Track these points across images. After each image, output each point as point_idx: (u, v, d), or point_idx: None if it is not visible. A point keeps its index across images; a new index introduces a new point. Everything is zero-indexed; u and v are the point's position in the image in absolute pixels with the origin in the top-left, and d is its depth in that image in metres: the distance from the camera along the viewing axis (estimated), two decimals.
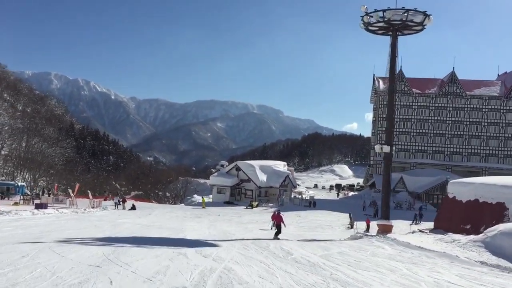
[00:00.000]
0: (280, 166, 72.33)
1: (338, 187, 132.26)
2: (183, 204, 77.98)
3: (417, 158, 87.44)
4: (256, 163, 70.85)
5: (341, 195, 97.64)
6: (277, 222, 22.95)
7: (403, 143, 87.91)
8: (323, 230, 35.45)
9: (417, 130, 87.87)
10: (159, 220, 35.62)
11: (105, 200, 61.22)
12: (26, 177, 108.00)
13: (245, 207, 58.35)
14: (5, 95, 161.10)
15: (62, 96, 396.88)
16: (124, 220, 33.50)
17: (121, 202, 50.93)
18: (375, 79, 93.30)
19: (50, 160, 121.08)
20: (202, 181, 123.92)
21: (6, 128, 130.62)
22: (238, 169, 67.26)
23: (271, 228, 24.33)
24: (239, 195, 67.18)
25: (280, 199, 62.92)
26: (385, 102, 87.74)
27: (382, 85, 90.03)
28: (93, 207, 45.95)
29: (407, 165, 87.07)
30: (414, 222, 44.57)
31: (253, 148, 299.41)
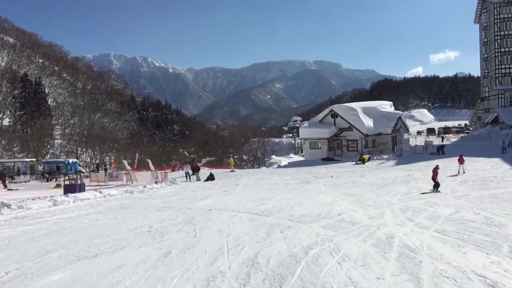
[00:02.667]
0: (387, 106, 55.20)
1: (431, 131, 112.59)
2: (264, 167, 63.52)
3: None
4: (357, 105, 54.04)
5: (445, 140, 78.76)
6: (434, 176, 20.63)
7: None
8: (504, 185, 21.64)
9: None
10: (262, 195, 20.64)
11: (173, 170, 47.56)
12: (91, 154, 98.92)
13: (354, 163, 42.62)
14: (64, 74, 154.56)
15: (123, 75, 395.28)
16: (206, 201, 18.84)
17: (193, 172, 36.55)
18: None
19: (114, 135, 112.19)
20: (276, 140, 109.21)
21: (67, 106, 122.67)
22: (334, 115, 51.00)
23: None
24: (338, 148, 51.13)
25: (398, 148, 46.26)
26: (501, 16, 67.46)
27: None
28: (156, 182, 31.85)
29: None
30: None
31: (318, 104, 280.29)
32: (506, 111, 64.09)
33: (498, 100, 67.95)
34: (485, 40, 73.29)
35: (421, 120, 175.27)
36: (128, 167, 35.78)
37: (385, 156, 46.05)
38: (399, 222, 11.86)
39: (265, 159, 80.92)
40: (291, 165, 50.15)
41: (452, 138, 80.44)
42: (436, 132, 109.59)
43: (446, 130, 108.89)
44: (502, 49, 67.75)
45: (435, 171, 21.41)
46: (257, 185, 28.59)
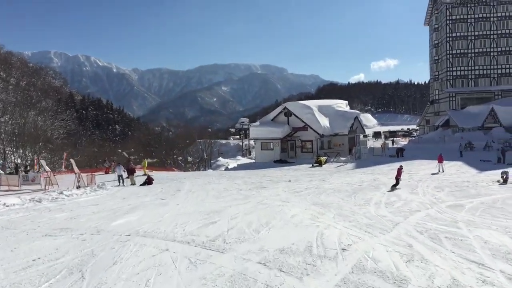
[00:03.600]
0: (343, 105, 51.03)
1: (377, 135, 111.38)
2: (211, 170, 58.08)
3: (502, 84, 65.58)
4: (312, 103, 49.36)
5: (395, 144, 76.49)
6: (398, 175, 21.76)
7: (482, 67, 65.94)
8: (486, 192, 19.58)
9: (499, 49, 65.56)
10: (210, 206, 15.23)
11: (106, 173, 40.73)
12: (22, 154, 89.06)
13: (311, 166, 37.99)
14: None
15: (64, 74, 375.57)
16: (130, 216, 13.23)
17: (126, 174, 30.33)
18: None
19: (48, 134, 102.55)
20: (223, 141, 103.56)
21: None
22: (288, 114, 46.15)
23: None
24: (292, 149, 46.29)
25: (356, 150, 41.98)
26: (453, 17, 65.60)
27: None
28: (79, 187, 25.51)
29: (490, 94, 65.43)
30: None
31: (264, 107, 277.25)
32: (458, 114, 61.99)
33: (449, 103, 65.91)
34: (436, 42, 71.41)
35: (366, 125, 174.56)
36: (47, 169, 29.03)
37: (343, 158, 41.70)
38: (477, 276, 6.70)
39: (212, 161, 75.19)
40: (240, 167, 44.78)
41: (401, 141, 78.50)
42: (382, 136, 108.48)
43: (392, 134, 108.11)
44: (454, 51, 65.84)
45: (399, 171, 22.23)
46: (203, 191, 23.18)
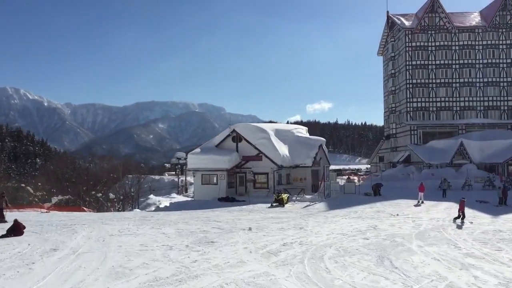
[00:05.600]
0: (303, 131, 41.37)
1: None
2: (137, 209, 46.17)
3: (465, 117, 59.23)
4: (268, 126, 38.89)
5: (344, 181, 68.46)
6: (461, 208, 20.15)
7: (444, 99, 59.45)
8: None
9: (462, 80, 59.58)
10: None
11: None
12: None
13: (270, 205, 27.63)
14: None
15: None
16: None
17: None
18: (390, 17, 64.66)
19: None
20: (157, 177, 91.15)
21: None
22: (237, 138, 35.66)
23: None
24: (242, 184, 35.56)
25: (326, 185, 31.98)
26: (413, 44, 59.54)
27: (406, 22, 61.42)
28: None
29: (453, 128, 58.78)
30: None
31: (200, 145, 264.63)
32: (422, 149, 54.58)
33: (410, 137, 58.49)
34: (393, 71, 64.80)
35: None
36: None
37: (308, 197, 31.68)
38: None
39: (142, 199, 62.68)
40: (174, 207, 33.27)
41: (352, 179, 70.38)
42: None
43: (338, 173, 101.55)
44: (414, 80, 59.22)
45: (463, 203, 20.12)
46: (99, 253, 12.14)
